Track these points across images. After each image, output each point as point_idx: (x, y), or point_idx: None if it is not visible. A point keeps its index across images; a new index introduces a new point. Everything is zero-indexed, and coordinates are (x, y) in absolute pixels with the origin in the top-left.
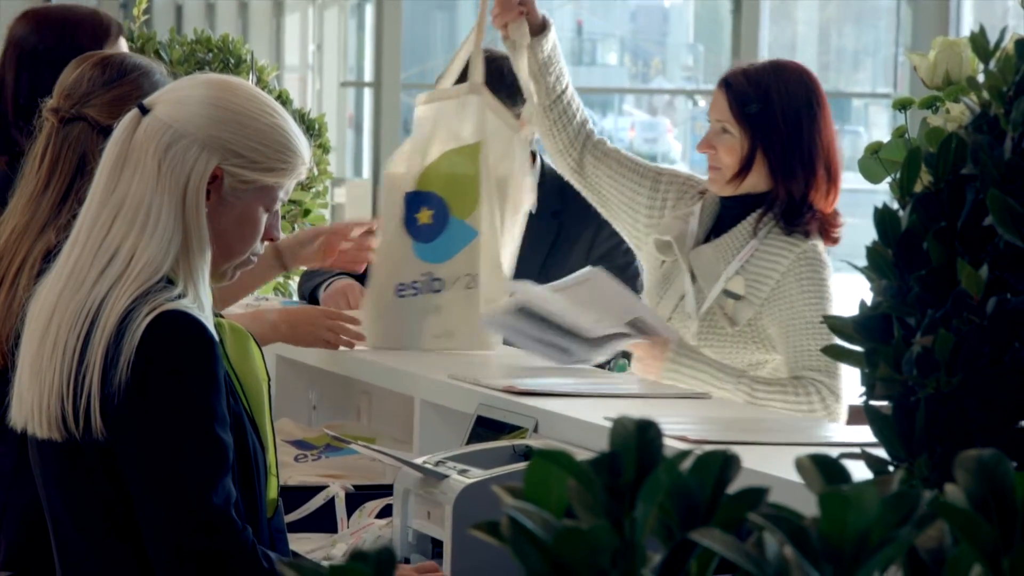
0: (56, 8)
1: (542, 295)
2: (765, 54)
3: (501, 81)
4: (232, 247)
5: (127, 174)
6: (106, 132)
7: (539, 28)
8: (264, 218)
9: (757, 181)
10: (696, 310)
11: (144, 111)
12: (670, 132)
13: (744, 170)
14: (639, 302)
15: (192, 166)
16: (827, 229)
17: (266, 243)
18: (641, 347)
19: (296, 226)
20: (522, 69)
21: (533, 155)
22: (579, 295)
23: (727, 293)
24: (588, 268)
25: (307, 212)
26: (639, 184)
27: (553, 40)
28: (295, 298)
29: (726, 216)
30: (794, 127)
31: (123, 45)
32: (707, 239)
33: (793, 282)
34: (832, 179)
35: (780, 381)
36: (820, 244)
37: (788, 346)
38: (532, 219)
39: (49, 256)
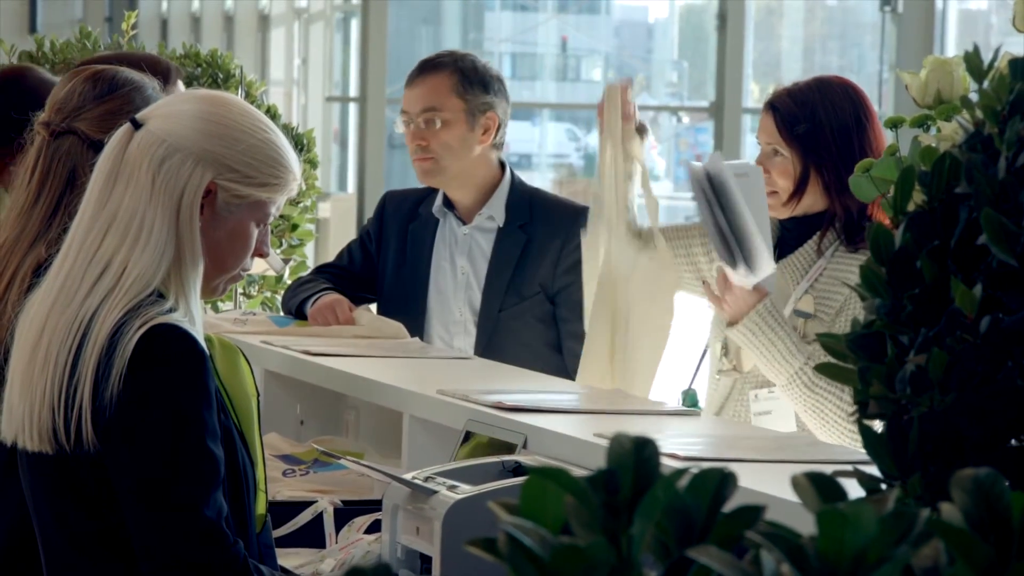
0: (115, 58)
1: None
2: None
3: (473, 74)
4: (224, 261)
5: (119, 188)
6: (96, 146)
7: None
8: (256, 233)
9: (814, 200)
10: None
11: (137, 125)
12: (654, 148)
13: (799, 190)
14: (768, 228)
15: (187, 180)
16: None
17: (256, 258)
18: (737, 289)
19: (283, 240)
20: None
21: (502, 166)
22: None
23: (797, 313)
24: (748, 162)
25: (295, 227)
26: (689, 241)
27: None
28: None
29: (788, 238)
30: (844, 142)
31: (181, 87)
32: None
33: (854, 302)
34: None
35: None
36: None
37: None
38: (500, 231)
39: (39, 270)
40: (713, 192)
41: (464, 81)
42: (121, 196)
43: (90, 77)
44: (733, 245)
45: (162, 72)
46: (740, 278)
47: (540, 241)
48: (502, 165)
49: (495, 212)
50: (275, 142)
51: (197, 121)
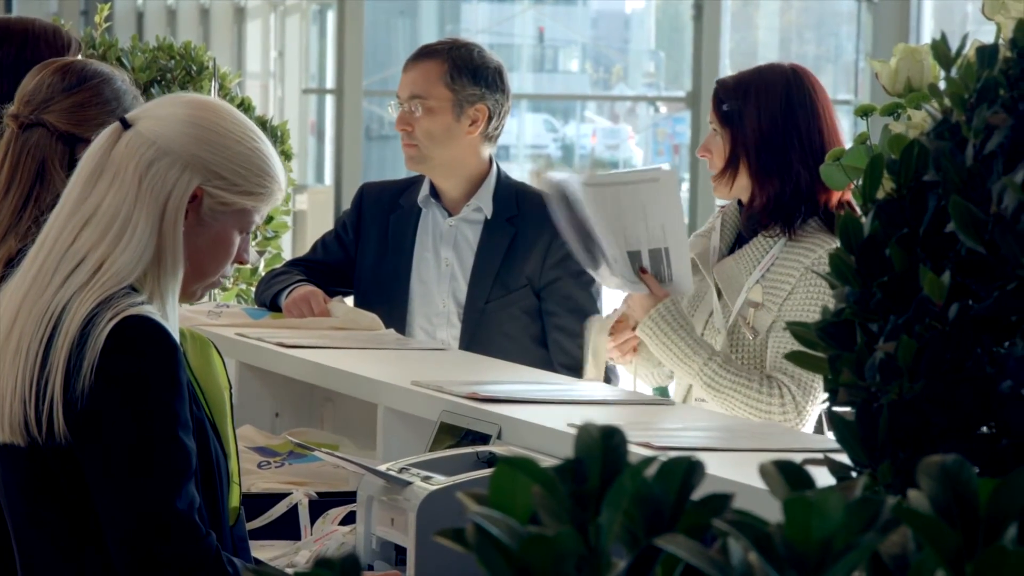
0: (16, 21)
1: (582, 194)
2: (726, 61)
3: (466, 64)
4: (205, 267)
5: (102, 185)
6: (65, 138)
7: None
8: (237, 240)
9: (748, 183)
10: (724, 324)
11: (126, 125)
12: (632, 139)
13: (727, 169)
14: (681, 230)
15: (174, 184)
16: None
17: (235, 265)
18: (635, 295)
19: (259, 232)
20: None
21: (490, 161)
22: (632, 196)
23: (748, 303)
24: (663, 167)
25: (270, 219)
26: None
27: None
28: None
29: (747, 228)
30: (770, 127)
31: None
32: (731, 252)
33: (802, 288)
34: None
35: (750, 375)
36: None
37: (771, 344)
38: (488, 224)
39: (11, 263)
40: (567, 202)
41: (454, 70)
42: (104, 193)
43: (59, 69)
44: (592, 249)
45: (63, 43)
46: (609, 278)
47: (528, 235)
48: (489, 159)
49: (483, 204)
50: (263, 151)
51: (188, 126)
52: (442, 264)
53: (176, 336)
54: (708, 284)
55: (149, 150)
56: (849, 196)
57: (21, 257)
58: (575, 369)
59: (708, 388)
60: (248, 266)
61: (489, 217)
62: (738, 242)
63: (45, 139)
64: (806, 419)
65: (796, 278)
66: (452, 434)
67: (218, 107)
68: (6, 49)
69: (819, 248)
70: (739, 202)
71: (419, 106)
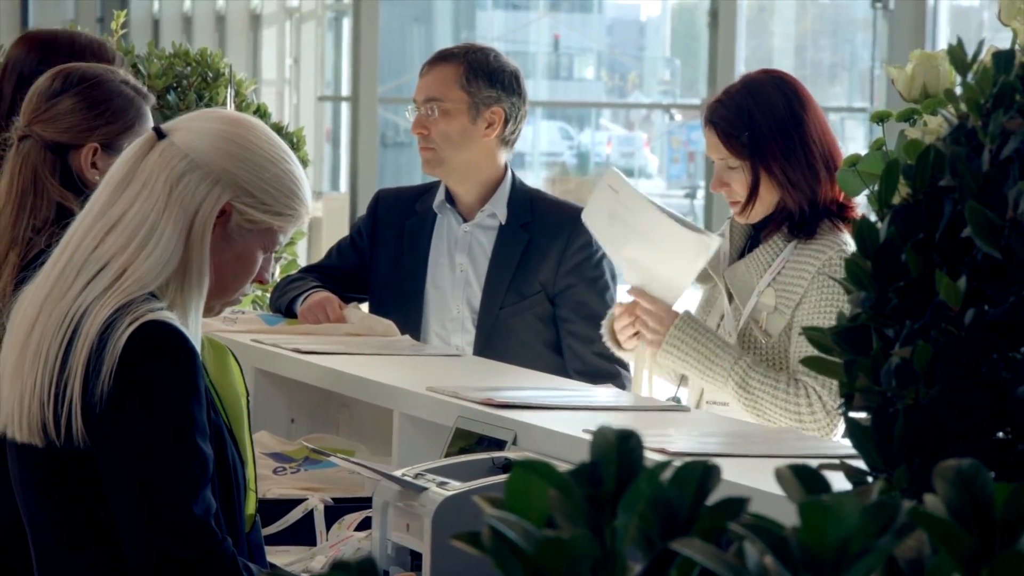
0: (63, 34)
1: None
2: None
3: (483, 68)
4: (227, 284)
5: (130, 192)
6: (52, 147)
7: None
8: (260, 259)
9: (773, 199)
10: (735, 328)
11: (160, 135)
12: (647, 146)
13: (752, 196)
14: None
15: (204, 198)
16: (845, 214)
17: (255, 283)
18: (654, 309)
19: None
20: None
21: (505, 167)
22: (668, 235)
23: (760, 307)
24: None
25: None
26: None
27: None
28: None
29: (757, 234)
30: (784, 138)
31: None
32: (741, 257)
33: (815, 290)
34: (834, 168)
35: (776, 376)
36: (850, 243)
37: (792, 346)
38: (502, 230)
39: (22, 269)
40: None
41: (470, 73)
42: (131, 201)
43: (50, 76)
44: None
45: (106, 58)
46: (662, 289)
47: (542, 241)
48: (505, 166)
49: (498, 210)
50: (295, 173)
51: (222, 141)
52: (457, 270)
53: (197, 345)
54: (720, 288)
55: (181, 162)
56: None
57: (34, 261)
58: (589, 375)
59: (739, 389)
60: None
61: (503, 223)
62: (749, 246)
63: (35, 149)
64: (837, 421)
65: (808, 280)
66: (467, 440)
67: (253, 125)
68: (52, 61)
69: (829, 249)
70: None
71: (435, 108)
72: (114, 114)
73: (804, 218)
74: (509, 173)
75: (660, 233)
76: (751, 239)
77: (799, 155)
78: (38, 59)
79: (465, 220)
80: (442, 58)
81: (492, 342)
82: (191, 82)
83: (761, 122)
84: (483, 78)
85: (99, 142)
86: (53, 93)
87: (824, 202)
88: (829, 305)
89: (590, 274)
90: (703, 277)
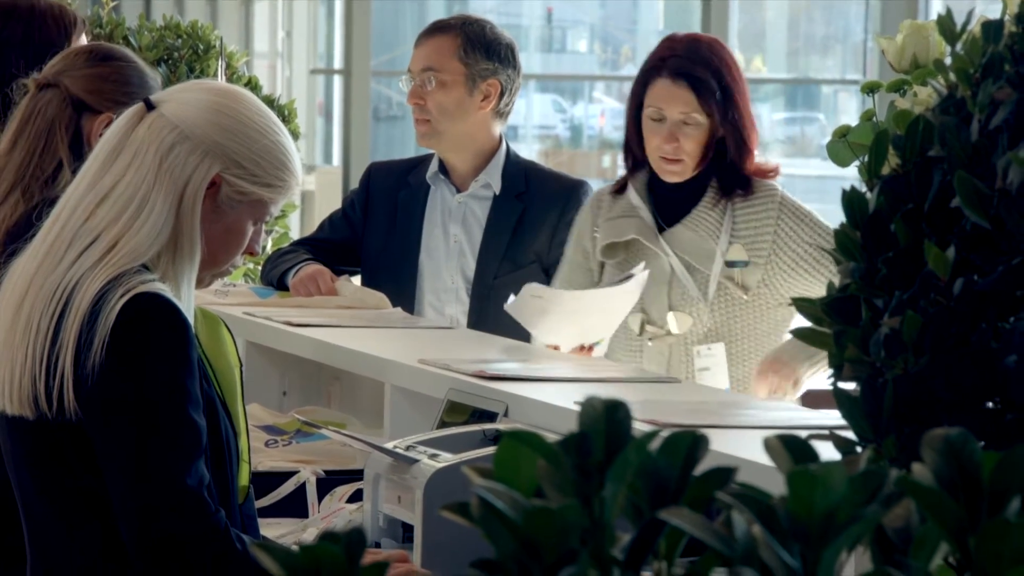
0: (23, 0)
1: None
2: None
3: (479, 39)
4: (217, 255)
5: (121, 164)
6: (75, 104)
7: None
8: (250, 231)
9: (707, 157)
10: (703, 293)
11: (150, 107)
12: None
13: (708, 153)
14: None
15: (193, 169)
16: (765, 173)
17: (245, 255)
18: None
19: None
20: None
21: (500, 138)
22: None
23: (731, 264)
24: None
25: None
26: (583, 266)
27: None
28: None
29: (673, 198)
30: (741, 99)
31: (84, 40)
32: (662, 226)
33: (787, 230)
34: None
35: None
36: (779, 187)
37: (808, 289)
38: (497, 200)
39: (16, 227)
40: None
41: (467, 44)
42: (122, 172)
43: (90, 48)
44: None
45: (69, 21)
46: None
47: (537, 211)
48: (500, 137)
49: (492, 180)
50: (284, 145)
51: (212, 113)
52: (451, 240)
53: (189, 316)
54: (661, 258)
55: (171, 133)
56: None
57: (27, 226)
58: None
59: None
60: None
61: (498, 193)
62: (667, 215)
63: (56, 100)
64: None
65: (773, 228)
66: (459, 412)
67: (243, 97)
68: (13, 27)
69: (771, 198)
70: (656, 178)
71: (432, 79)
72: (134, 95)
73: (743, 174)
74: (504, 144)
75: (597, 303)
76: (667, 205)
77: (748, 115)
78: (2, 26)
79: (459, 191)
80: (438, 29)
81: (486, 312)
82: (182, 55)
83: (728, 81)
84: (480, 50)
85: (117, 115)
86: (94, 59)
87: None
88: (811, 233)
89: None
90: (613, 251)
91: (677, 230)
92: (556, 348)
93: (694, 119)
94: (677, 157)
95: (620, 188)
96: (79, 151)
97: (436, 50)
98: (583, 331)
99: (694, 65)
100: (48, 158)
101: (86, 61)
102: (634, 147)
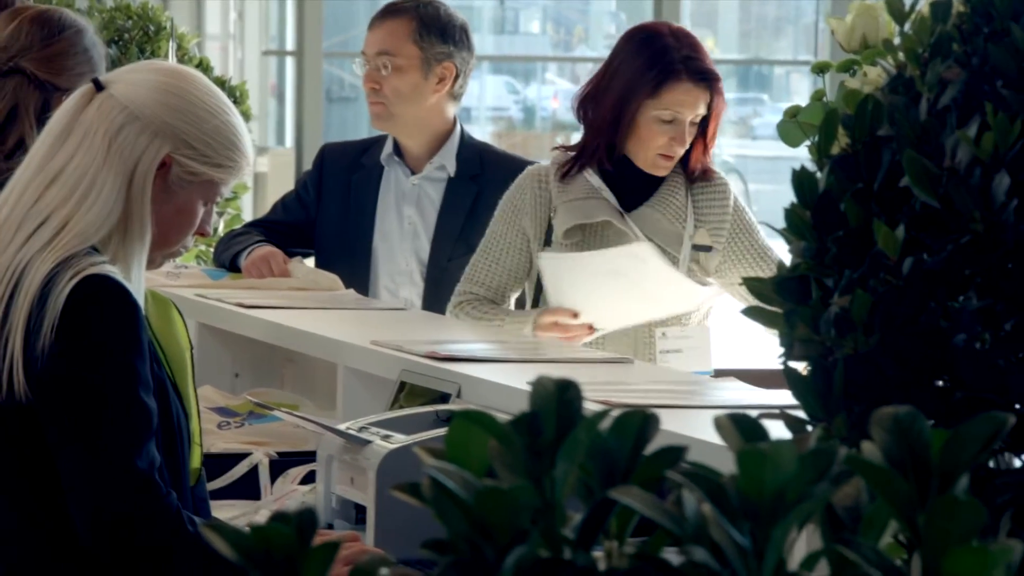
0: None
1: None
2: (687, 23)
3: (434, 22)
4: (168, 236)
5: (70, 146)
6: (41, 85)
7: None
8: (201, 212)
9: None
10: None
11: (99, 87)
12: None
13: (694, 146)
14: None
15: (143, 150)
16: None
17: (196, 236)
18: None
19: None
20: None
21: (454, 120)
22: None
23: (696, 248)
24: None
25: None
26: (518, 246)
27: None
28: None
29: (632, 181)
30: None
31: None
32: (627, 207)
33: (738, 220)
34: None
35: None
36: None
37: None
38: (451, 182)
39: None
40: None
41: (422, 28)
42: (71, 154)
43: (36, 18)
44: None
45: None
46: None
47: (492, 193)
48: (453, 119)
49: (446, 162)
50: (235, 124)
51: (161, 93)
52: (405, 222)
53: (140, 298)
54: (630, 239)
55: (120, 114)
56: None
57: None
58: None
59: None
60: None
61: (452, 175)
62: (629, 197)
63: (22, 85)
64: None
65: (728, 220)
66: (412, 393)
67: (193, 77)
68: None
69: (724, 185)
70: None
71: (389, 64)
72: (96, 62)
73: (706, 162)
74: (458, 126)
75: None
76: (629, 186)
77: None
78: None
79: (413, 173)
80: (392, 12)
81: (441, 294)
82: (132, 36)
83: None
84: (436, 33)
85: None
86: (48, 35)
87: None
88: (754, 227)
89: None
90: (570, 233)
91: (644, 212)
92: (590, 329)
93: (699, 118)
94: (672, 155)
95: (569, 170)
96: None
97: (391, 33)
98: (625, 307)
99: (708, 65)
100: (12, 138)
101: (41, 40)
102: (612, 137)
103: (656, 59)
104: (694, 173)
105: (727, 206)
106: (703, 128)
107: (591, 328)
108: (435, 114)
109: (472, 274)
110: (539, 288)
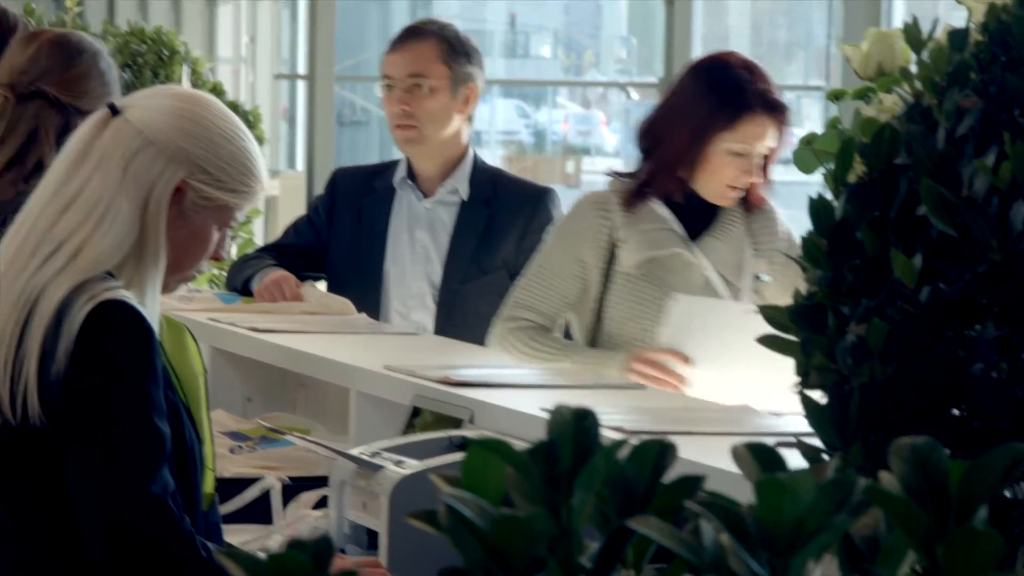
0: None
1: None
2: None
3: (458, 43)
4: (182, 261)
5: (85, 170)
6: (62, 108)
7: None
8: (216, 237)
9: None
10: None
11: (115, 112)
12: (604, 125)
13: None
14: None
15: (158, 175)
16: None
17: (211, 261)
18: None
19: None
20: None
21: (467, 144)
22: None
23: (758, 278)
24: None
25: None
26: (574, 274)
27: None
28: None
29: (693, 209)
30: None
31: None
32: (690, 237)
33: (791, 246)
34: None
35: None
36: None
37: None
38: (464, 206)
39: None
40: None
41: (450, 49)
42: (87, 179)
43: (55, 41)
44: None
45: (8, 26)
46: None
47: (504, 218)
48: (466, 145)
49: (459, 185)
50: (250, 150)
51: (177, 118)
52: (416, 246)
53: (154, 324)
54: (697, 271)
55: (136, 139)
56: None
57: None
58: None
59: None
60: None
61: (465, 199)
62: (691, 225)
63: (43, 109)
64: None
65: (779, 237)
66: (425, 418)
67: (208, 102)
68: None
69: (775, 215)
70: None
71: (424, 85)
72: (111, 85)
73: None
74: (471, 150)
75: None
76: (690, 216)
77: None
78: None
79: (425, 196)
80: (416, 34)
81: (452, 317)
82: (147, 60)
83: None
84: (462, 54)
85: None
86: (67, 58)
87: None
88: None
89: None
90: (641, 263)
91: (709, 242)
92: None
93: (768, 150)
94: (742, 188)
95: (635, 200)
96: None
97: (420, 55)
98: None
99: (779, 97)
100: (32, 158)
101: (61, 63)
102: (682, 169)
103: (731, 92)
104: (754, 203)
105: (777, 232)
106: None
107: (684, 381)
108: (456, 137)
109: (522, 299)
110: (597, 318)
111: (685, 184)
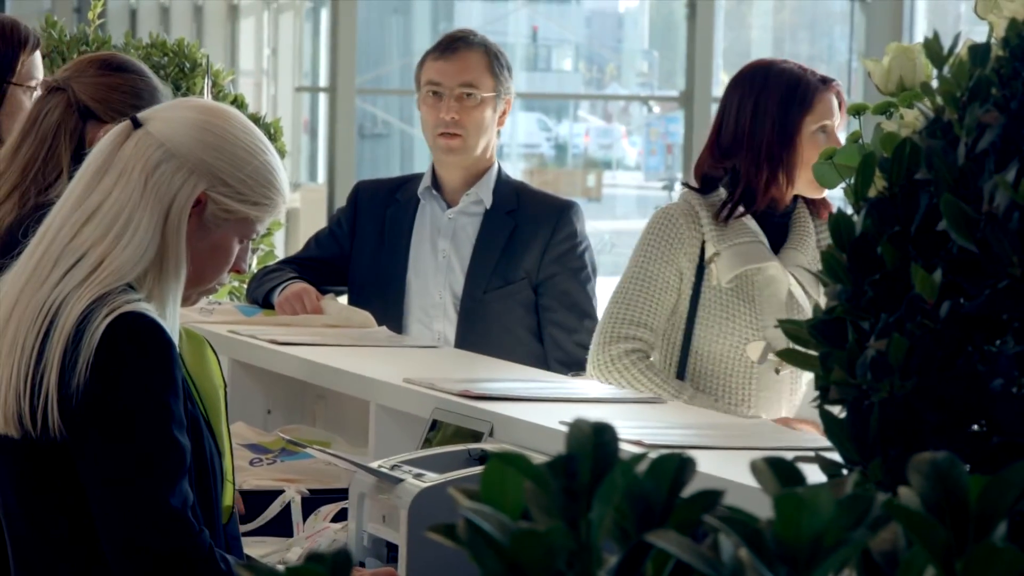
0: None
1: None
2: (720, 61)
3: (500, 55)
4: (203, 273)
5: (107, 182)
6: (81, 110)
7: None
8: (237, 249)
9: None
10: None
11: (137, 124)
12: (625, 138)
13: None
14: None
15: (179, 187)
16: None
17: (231, 273)
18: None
19: None
20: None
21: (492, 158)
22: None
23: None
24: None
25: None
26: (673, 285)
27: None
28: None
29: (768, 220)
30: None
31: (38, 58)
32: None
33: None
34: None
35: None
36: None
37: None
38: (488, 215)
39: (9, 234)
40: None
41: (496, 61)
42: (108, 191)
43: (104, 58)
44: None
45: (23, 37)
46: None
47: (528, 229)
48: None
49: (483, 195)
50: (271, 163)
51: (198, 131)
52: (439, 255)
53: (174, 336)
54: (782, 283)
55: (157, 151)
56: None
57: (14, 240)
58: (570, 365)
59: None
60: None
61: (489, 208)
62: (772, 239)
63: (63, 104)
64: None
65: None
66: (444, 431)
67: (230, 115)
68: None
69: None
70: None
71: (476, 94)
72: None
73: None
74: (496, 162)
75: None
76: (771, 230)
77: None
78: None
79: (449, 206)
80: (464, 43)
81: (474, 327)
82: (168, 73)
83: None
84: (505, 66)
85: None
86: (107, 68)
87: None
88: None
89: (574, 264)
90: (734, 278)
91: (790, 254)
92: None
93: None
94: None
95: (727, 213)
96: (81, 159)
97: (472, 65)
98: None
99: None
100: (51, 165)
101: (98, 69)
102: (779, 166)
103: (794, 81)
104: (821, 212)
105: None
106: None
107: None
108: (489, 148)
109: (628, 314)
110: (685, 335)
111: (785, 187)
